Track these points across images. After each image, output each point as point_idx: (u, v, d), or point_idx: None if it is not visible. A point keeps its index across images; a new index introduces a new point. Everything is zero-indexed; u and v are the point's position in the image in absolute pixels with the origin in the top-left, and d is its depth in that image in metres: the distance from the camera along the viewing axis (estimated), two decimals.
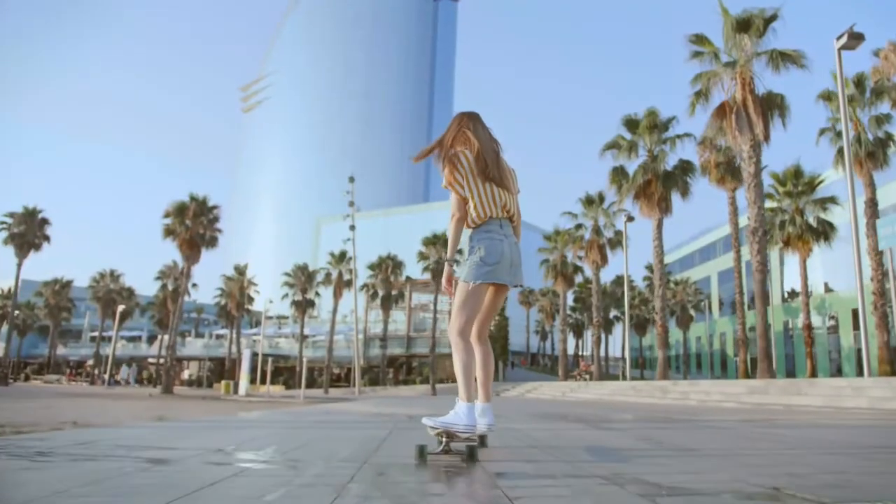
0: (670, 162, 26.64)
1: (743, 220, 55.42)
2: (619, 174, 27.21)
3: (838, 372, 44.06)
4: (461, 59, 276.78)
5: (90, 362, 66.43)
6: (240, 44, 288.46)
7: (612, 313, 71.48)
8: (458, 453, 2.98)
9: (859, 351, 44.46)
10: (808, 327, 30.32)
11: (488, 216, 3.15)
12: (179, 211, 38.39)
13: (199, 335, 77.25)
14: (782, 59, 18.68)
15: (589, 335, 77.03)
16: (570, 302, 63.60)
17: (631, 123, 27.12)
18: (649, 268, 64.99)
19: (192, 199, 38.84)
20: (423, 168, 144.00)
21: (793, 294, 52.67)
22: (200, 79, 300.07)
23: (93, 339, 68.89)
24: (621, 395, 19.33)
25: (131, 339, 79.17)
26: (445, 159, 3.27)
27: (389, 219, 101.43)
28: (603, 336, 79.91)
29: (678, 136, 26.68)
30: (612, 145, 27.44)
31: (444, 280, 3.23)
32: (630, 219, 27.08)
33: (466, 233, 3.27)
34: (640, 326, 71.41)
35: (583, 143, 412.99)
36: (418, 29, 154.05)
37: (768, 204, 32.14)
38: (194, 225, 38.57)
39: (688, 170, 26.58)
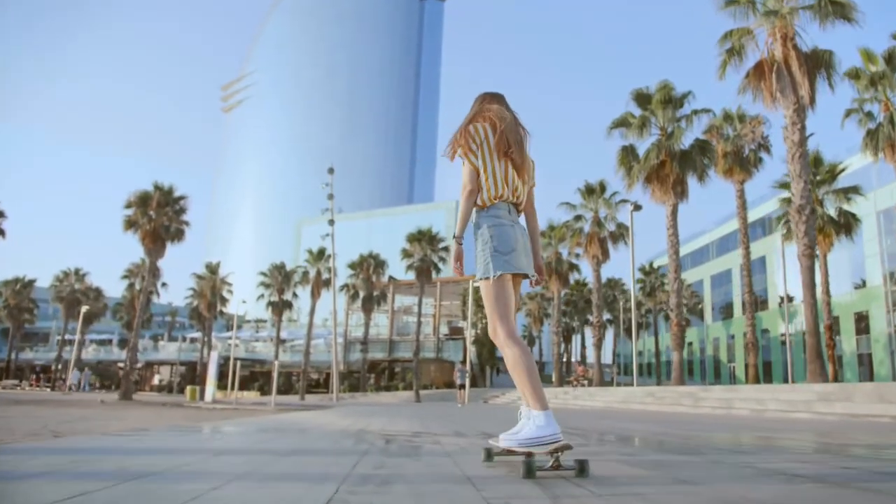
0: (686, 141, 23.81)
1: (753, 214, 53.30)
2: (628, 154, 24.25)
3: (838, 379, 41.73)
4: (448, 59, 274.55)
5: (55, 367, 62.82)
6: (221, 42, 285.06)
7: (604, 317, 68.65)
8: (569, 469, 2.63)
9: (861, 356, 42.30)
10: (830, 328, 27.70)
11: (499, 195, 2.92)
12: (142, 201, 35.23)
13: (172, 339, 74.05)
14: (832, 7, 15.97)
15: (578, 340, 74.54)
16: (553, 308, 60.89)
17: (641, 98, 24.21)
18: (643, 269, 62.46)
19: (157, 188, 35.69)
20: (406, 169, 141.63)
21: (789, 298, 50.37)
22: (180, 77, 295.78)
23: (64, 342, 65.34)
24: (638, 403, 16.54)
25: (101, 343, 75.86)
26: (461, 132, 3.01)
27: (372, 221, 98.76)
28: (590, 339, 77.75)
29: (695, 112, 23.79)
30: (621, 123, 24.51)
31: (452, 258, 2.97)
32: (637, 207, 24.29)
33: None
34: (632, 330, 68.89)
35: (576, 143, 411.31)
36: (404, 29, 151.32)
37: (782, 195, 29.66)
38: (158, 216, 35.39)
39: (706, 150, 23.72)
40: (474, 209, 2.97)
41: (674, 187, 22.68)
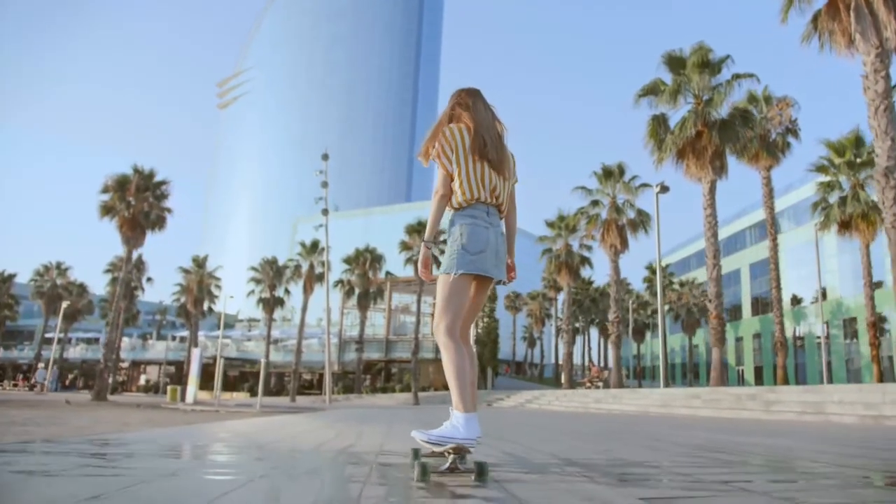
0: (723, 111, 21.00)
1: (757, 216, 50.77)
2: (659, 125, 21.47)
3: (857, 382, 39.48)
4: (447, 57, 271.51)
5: (42, 365, 60.19)
6: (216, 39, 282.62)
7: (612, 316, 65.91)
8: (468, 471, 2.55)
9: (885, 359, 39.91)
10: (874, 325, 25.13)
11: (474, 198, 2.81)
12: (120, 185, 32.48)
13: (161, 338, 71.64)
14: None
15: (581, 341, 71.81)
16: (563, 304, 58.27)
17: (674, 62, 21.37)
18: (650, 268, 59.85)
19: (136, 171, 32.96)
20: (405, 167, 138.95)
21: (796, 300, 48.03)
22: (174, 73, 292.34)
23: (48, 340, 62.82)
24: (683, 407, 13.91)
25: (89, 342, 73.28)
26: (434, 134, 2.94)
27: (369, 219, 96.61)
28: (595, 340, 75.14)
29: (736, 77, 21.01)
30: (650, 90, 21.69)
31: (420, 263, 2.87)
32: (664, 188, 21.61)
33: (447, 216, 2.91)
34: (637, 332, 66.10)
35: (576, 145, 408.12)
36: (402, 23, 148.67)
37: (821, 178, 27.11)
38: (138, 202, 32.66)
39: (748, 119, 20.94)
40: (451, 210, 2.86)
41: (712, 161, 19.91)
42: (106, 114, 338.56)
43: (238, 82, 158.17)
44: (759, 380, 52.51)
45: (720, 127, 20.06)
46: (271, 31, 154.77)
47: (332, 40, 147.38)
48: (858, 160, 25.48)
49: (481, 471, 2.48)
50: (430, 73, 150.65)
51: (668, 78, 21.63)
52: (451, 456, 2.57)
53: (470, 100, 2.95)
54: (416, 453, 2.87)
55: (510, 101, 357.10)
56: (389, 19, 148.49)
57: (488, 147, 2.83)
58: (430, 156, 2.90)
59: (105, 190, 32.59)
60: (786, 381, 28.72)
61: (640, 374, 69.60)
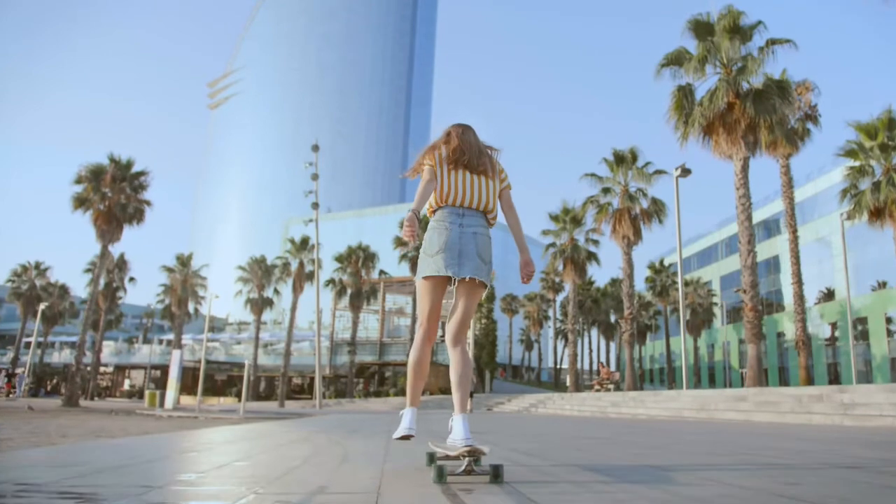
0: (755, 82, 18.85)
1: (758, 215, 48.85)
2: (685, 96, 19.34)
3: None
4: (441, 59, 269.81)
5: (20, 370, 57.89)
6: (208, 38, 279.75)
7: (613, 318, 64.11)
8: (483, 473, 2.58)
9: (895, 360, 38.09)
10: None
11: (444, 200, 2.96)
12: (95, 175, 30.33)
13: (147, 341, 69.41)
14: None
15: (583, 343, 69.73)
16: (562, 306, 56.30)
17: (701, 28, 19.11)
18: (653, 267, 57.85)
19: (112, 160, 30.80)
20: (398, 169, 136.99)
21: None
22: (164, 73, 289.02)
23: (28, 345, 60.53)
24: (729, 411, 11.88)
25: (73, 346, 71.13)
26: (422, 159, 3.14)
27: (362, 220, 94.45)
28: (595, 342, 73.18)
29: (772, 42, 18.87)
30: (674, 60, 19.50)
31: (404, 223, 2.79)
32: (685, 171, 19.61)
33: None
34: (639, 334, 64.10)
35: (571, 152, 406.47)
36: (396, 26, 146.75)
37: (851, 163, 25.18)
38: (114, 193, 30.49)
39: (786, 91, 18.77)
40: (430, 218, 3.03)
41: (744, 136, 17.83)
42: (96, 112, 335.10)
43: (229, 82, 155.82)
44: (762, 384, 50.77)
45: (755, 97, 17.97)
46: (263, 30, 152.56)
47: (324, 40, 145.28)
48: (892, 143, 23.56)
49: (497, 473, 2.54)
50: (423, 74, 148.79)
51: (692, 46, 19.59)
52: (467, 459, 2.58)
53: (460, 129, 3.13)
54: (440, 472, 2.62)
55: (506, 105, 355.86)
56: (383, 20, 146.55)
57: (465, 154, 3.00)
58: (416, 173, 3.09)
59: (79, 180, 30.41)
60: (809, 382, 26.91)
61: (641, 378, 67.56)
